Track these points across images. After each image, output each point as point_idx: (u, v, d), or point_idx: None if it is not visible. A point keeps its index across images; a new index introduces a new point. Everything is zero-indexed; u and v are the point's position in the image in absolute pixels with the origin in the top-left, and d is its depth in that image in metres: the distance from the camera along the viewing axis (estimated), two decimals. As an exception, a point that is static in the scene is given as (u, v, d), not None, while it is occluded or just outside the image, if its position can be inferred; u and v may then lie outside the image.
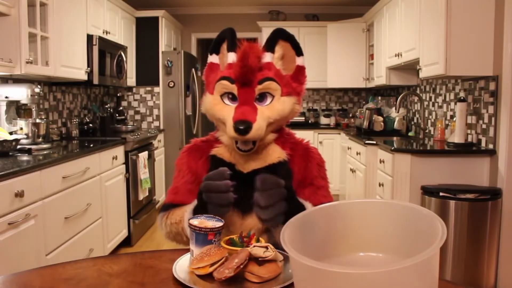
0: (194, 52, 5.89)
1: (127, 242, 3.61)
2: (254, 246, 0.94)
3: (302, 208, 1.11)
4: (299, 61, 1.24)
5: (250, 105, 1.16)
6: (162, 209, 1.27)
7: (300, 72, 1.25)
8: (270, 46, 1.22)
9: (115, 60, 3.96)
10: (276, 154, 1.22)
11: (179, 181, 1.28)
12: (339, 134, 5.06)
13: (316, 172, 1.26)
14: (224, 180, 1.08)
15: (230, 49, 1.24)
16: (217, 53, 1.28)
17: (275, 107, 1.18)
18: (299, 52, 1.24)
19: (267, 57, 1.21)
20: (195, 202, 1.15)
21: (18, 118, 2.87)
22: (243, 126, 1.11)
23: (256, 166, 1.20)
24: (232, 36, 1.27)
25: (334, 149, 5.09)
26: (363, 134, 4.17)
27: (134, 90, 4.95)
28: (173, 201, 1.25)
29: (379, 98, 5.11)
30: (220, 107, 1.19)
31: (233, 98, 1.18)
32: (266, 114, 1.16)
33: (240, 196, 1.10)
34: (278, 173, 1.16)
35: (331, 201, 1.23)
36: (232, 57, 1.22)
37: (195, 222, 1.00)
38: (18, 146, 2.57)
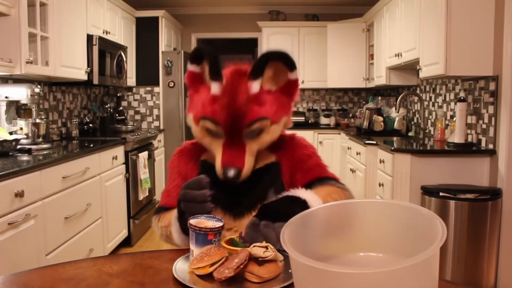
0: (194, 52, 5.88)
1: (127, 242, 3.61)
2: (254, 246, 0.94)
3: (295, 204, 1.07)
4: (292, 75, 1.17)
5: (238, 144, 1.14)
6: (156, 211, 1.29)
7: (292, 85, 1.18)
8: (259, 71, 1.13)
9: (115, 60, 3.96)
10: (263, 158, 1.23)
11: (170, 184, 1.30)
12: (339, 134, 5.06)
13: (304, 156, 1.26)
14: (202, 190, 1.05)
15: (213, 77, 1.14)
16: (198, 64, 1.18)
17: (264, 139, 1.16)
18: (292, 67, 1.15)
19: (255, 86, 1.13)
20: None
21: (18, 118, 2.87)
22: (232, 173, 1.12)
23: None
24: (215, 61, 1.14)
25: (334, 149, 5.09)
26: (363, 134, 4.17)
27: (134, 90, 4.95)
28: (165, 204, 1.27)
29: (379, 98, 5.11)
30: (208, 141, 1.18)
31: (220, 134, 1.15)
32: (254, 148, 1.16)
33: (230, 201, 1.11)
34: (265, 176, 1.20)
35: (325, 172, 1.26)
36: (215, 88, 1.13)
37: (195, 222, 1.00)
38: (18, 146, 2.57)
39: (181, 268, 0.99)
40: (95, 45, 3.55)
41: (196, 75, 1.19)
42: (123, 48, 4.23)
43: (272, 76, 1.16)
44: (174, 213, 1.16)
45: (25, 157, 2.43)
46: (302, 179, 1.23)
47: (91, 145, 3.07)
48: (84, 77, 3.48)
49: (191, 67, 1.18)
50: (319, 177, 1.24)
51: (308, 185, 1.19)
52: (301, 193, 1.10)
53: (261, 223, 1.01)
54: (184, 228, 1.09)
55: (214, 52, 1.14)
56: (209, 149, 1.20)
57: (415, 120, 4.18)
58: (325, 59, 5.26)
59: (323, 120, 5.58)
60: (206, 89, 1.16)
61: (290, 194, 1.10)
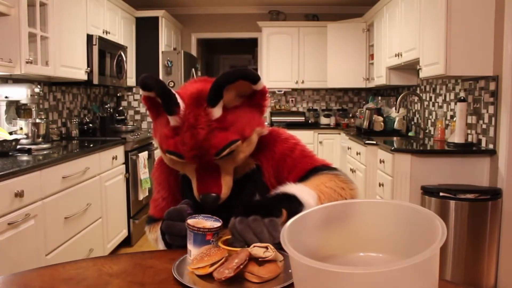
0: (194, 52, 5.89)
1: (127, 242, 3.61)
2: (254, 246, 0.94)
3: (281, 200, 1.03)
4: (257, 87, 1.07)
5: (211, 169, 1.08)
6: (147, 220, 1.30)
7: (259, 95, 1.09)
8: (216, 98, 1.02)
9: (115, 60, 3.96)
10: (242, 166, 1.16)
11: (156, 195, 1.30)
12: (339, 134, 5.06)
13: (286, 151, 1.20)
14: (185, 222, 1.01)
15: (168, 112, 1.03)
16: (150, 90, 1.07)
17: (238, 157, 1.10)
18: (254, 80, 1.04)
19: (216, 112, 1.03)
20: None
21: (18, 118, 2.87)
22: (210, 200, 1.07)
23: None
24: (165, 98, 1.02)
25: (334, 149, 5.09)
26: (363, 134, 4.17)
27: (134, 90, 4.95)
28: (154, 215, 1.28)
29: (379, 98, 5.11)
30: (179, 167, 1.13)
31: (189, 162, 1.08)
32: (230, 168, 1.10)
33: (215, 214, 1.06)
34: (247, 184, 1.16)
35: (314, 162, 1.20)
36: (173, 121, 1.03)
37: (193, 222, 1.00)
38: (18, 146, 2.57)
39: (181, 268, 0.99)
40: (95, 45, 3.55)
41: (152, 99, 1.09)
42: (123, 48, 4.23)
43: (234, 94, 1.07)
44: (159, 230, 1.14)
45: (25, 157, 2.43)
46: (291, 175, 1.17)
47: (91, 145, 3.07)
48: (84, 77, 3.48)
49: (144, 93, 1.08)
50: (309, 169, 1.18)
51: (301, 181, 1.14)
52: (288, 188, 1.05)
53: (249, 218, 0.97)
54: (168, 245, 1.11)
55: (162, 86, 1.03)
56: (182, 172, 1.15)
57: (415, 120, 4.18)
58: (325, 59, 5.26)
59: (323, 120, 5.58)
60: (166, 116, 1.06)
61: (277, 192, 1.05)
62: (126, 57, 4.25)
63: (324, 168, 1.19)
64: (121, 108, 4.81)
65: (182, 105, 1.04)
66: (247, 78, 1.04)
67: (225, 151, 1.04)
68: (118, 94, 4.86)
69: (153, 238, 1.24)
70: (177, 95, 1.05)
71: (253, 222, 0.97)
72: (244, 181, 1.17)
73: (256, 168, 1.19)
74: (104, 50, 3.71)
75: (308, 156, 1.22)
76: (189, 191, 1.16)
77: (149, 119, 4.96)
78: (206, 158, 1.04)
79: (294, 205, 1.01)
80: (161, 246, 1.16)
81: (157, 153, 4.49)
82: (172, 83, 4.85)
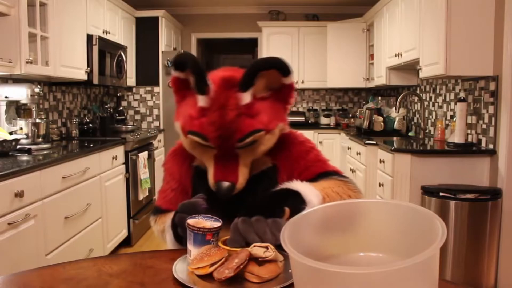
0: (194, 52, 5.89)
1: (127, 242, 3.61)
2: (254, 246, 0.94)
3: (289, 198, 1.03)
4: (286, 80, 1.08)
5: (231, 157, 1.07)
6: (153, 211, 1.28)
7: (286, 90, 1.10)
8: (248, 82, 1.04)
9: (115, 60, 3.96)
10: (259, 163, 1.16)
11: (165, 186, 1.29)
12: (339, 134, 5.06)
13: (302, 153, 1.21)
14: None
15: (199, 92, 1.04)
16: (182, 70, 1.08)
17: (259, 150, 1.10)
18: (286, 73, 1.06)
19: (246, 98, 1.04)
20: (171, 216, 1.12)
21: (18, 118, 2.87)
22: (225, 188, 1.06)
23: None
24: (199, 75, 1.04)
25: (334, 149, 5.09)
26: (363, 134, 4.16)
27: (134, 90, 4.95)
28: (161, 206, 1.27)
29: (379, 98, 5.11)
30: (198, 152, 1.12)
31: (210, 147, 1.07)
32: (248, 160, 1.10)
33: (226, 210, 1.07)
34: (262, 182, 1.15)
35: (327, 167, 1.21)
36: (202, 101, 1.04)
37: (193, 222, 0.99)
38: (18, 146, 2.57)
39: (181, 268, 0.99)
40: (95, 45, 3.55)
41: (182, 81, 1.10)
42: (123, 48, 4.23)
43: (264, 83, 1.08)
44: (168, 220, 1.13)
45: (25, 157, 2.43)
46: (301, 176, 1.16)
47: (91, 145, 3.07)
48: (84, 77, 3.48)
49: (175, 73, 1.09)
50: (321, 172, 1.18)
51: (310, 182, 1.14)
52: (295, 185, 1.06)
53: (252, 219, 0.97)
54: (178, 237, 1.09)
55: (197, 64, 1.04)
56: (199, 158, 1.15)
57: (415, 120, 4.18)
58: (325, 59, 5.26)
59: (323, 120, 5.58)
60: (193, 98, 1.06)
61: (283, 186, 1.06)
62: (126, 57, 4.25)
63: (334, 173, 1.20)
64: (121, 108, 4.81)
65: (212, 87, 1.05)
66: (281, 68, 1.05)
67: (249, 138, 1.04)
68: (118, 94, 4.86)
69: (158, 230, 1.22)
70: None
71: (256, 222, 0.97)
72: (260, 178, 1.16)
73: (272, 167, 1.19)
74: (104, 50, 3.71)
75: (322, 160, 1.23)
76: (201, 184, 1.17)
77: (149, 119, 4.96)
78: (229, 142, 1.04)
79: (297, 202, 1.01)
80: (168, 238, 1.14)
81: (157, 153, 4.49)
82: (172, 83, 4.84)
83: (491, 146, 2.71)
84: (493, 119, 2.68)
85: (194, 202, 1.07)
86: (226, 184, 1.07)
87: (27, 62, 2.58)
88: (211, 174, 1.09)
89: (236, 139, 1.04)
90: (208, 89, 1.03)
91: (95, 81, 3.59)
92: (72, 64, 3.27)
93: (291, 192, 1.04)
